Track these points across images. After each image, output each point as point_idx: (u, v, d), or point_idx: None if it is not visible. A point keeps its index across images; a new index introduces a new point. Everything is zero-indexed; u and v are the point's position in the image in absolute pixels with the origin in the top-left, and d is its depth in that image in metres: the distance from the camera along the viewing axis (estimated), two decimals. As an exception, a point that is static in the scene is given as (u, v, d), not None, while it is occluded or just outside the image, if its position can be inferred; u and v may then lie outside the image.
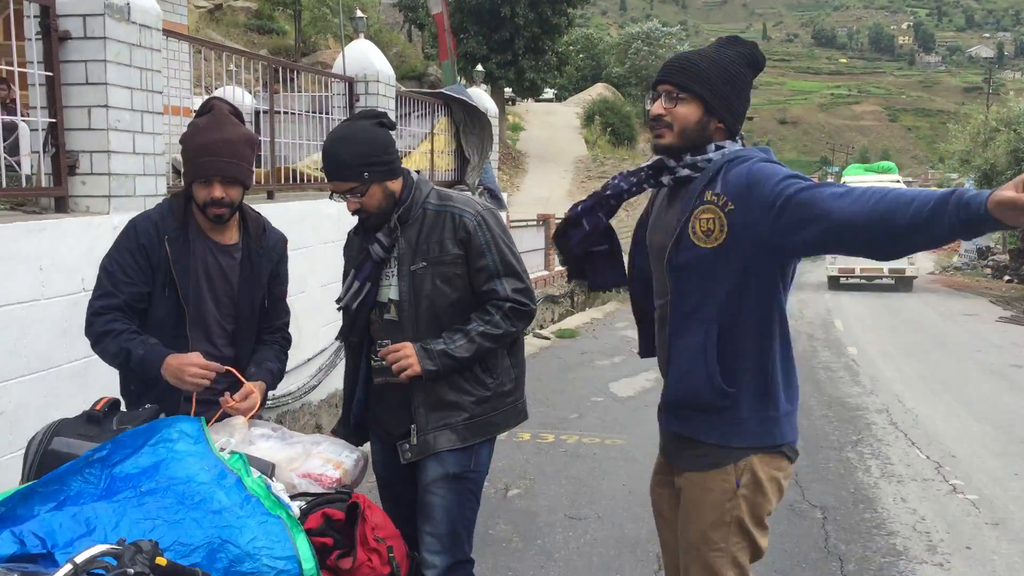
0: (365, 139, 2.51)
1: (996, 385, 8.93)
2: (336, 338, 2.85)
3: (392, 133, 2.62)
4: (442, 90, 9.45)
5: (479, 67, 21.15)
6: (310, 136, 6.95)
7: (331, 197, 2.62)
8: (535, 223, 14.55)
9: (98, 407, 2.25)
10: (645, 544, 4.34)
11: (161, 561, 1.51)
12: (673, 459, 2.39)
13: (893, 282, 21.21)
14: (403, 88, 9.31)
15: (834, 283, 21.50)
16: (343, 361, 2.91)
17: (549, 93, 37.69)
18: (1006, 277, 24.25)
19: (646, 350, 2.54)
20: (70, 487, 1.87)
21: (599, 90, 37.63)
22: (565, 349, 10.67)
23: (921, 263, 33.85)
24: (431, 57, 29.07)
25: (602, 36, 51.28)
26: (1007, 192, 1.68)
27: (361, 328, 2.65)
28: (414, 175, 2.66)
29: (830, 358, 10.49)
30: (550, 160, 27.79)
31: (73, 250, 4.10)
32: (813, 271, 25.89)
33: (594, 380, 8.64)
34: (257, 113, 7.16)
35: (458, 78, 11.06)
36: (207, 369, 2.42)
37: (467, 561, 2.59)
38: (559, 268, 15.28)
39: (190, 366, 2.39)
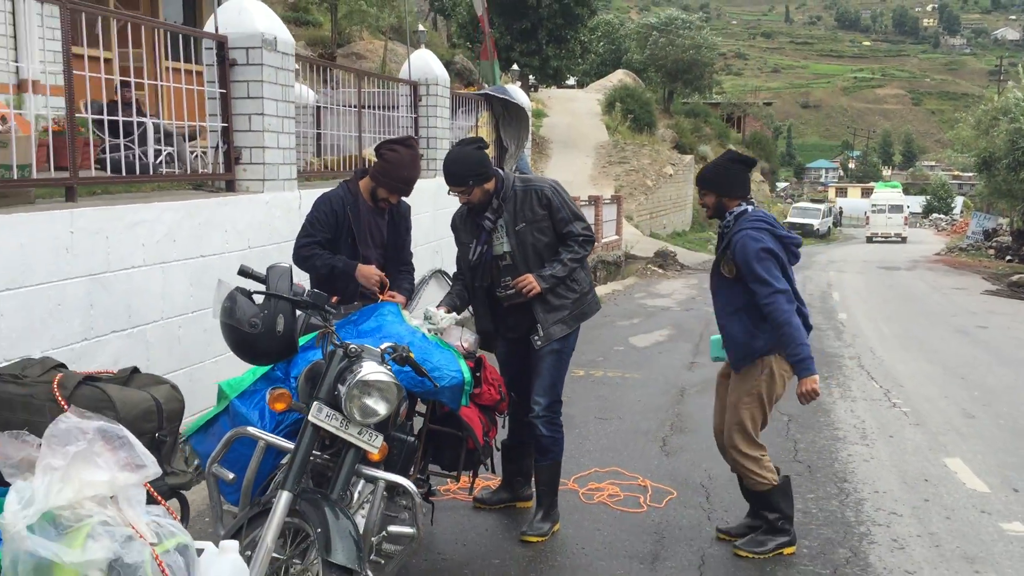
0: (468, 159, 4.09)
1: (958, 341, 10.45)
2: (434, 271, 4.44)
3: (486, 152, 4.21)
4: (486, 90, 11.05)
5: (515, 66, 22.61)
6: (370, 128, 8.43)
7: (448, 193, 4.21)
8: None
9: (333, 301, 3.89)
10: (655, 432, 5.96)
11: (410, 355, 3.13)
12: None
13: (899, 240, 39.40)
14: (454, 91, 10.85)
15: (869, 240, 39.36)
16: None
17: (571, 80, 38.90)
18: (1007, 257, 25.39)
19: None
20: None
21: (619, 76, 38.61)
22: (590, 313, 12.20)
23: (932, 245, 35.85)
24: (457, 46, 30.49)
25: (623, 21, 52.28)
26: (806, 384, 3.84)
27: (488, 275, 4.20)
28: (501, 172, 4.22)
29: (821, 321, 11.99)
30: (572, 146, 29.07)
31: (241, 219, 5.76)
32: (825, 252, 27.45)
33: (616, 335, 10.23)
34: (318, 108, 8.69)
35: (499, 78, 12.64)
36: (378, 275, 4.11)
37: (559, 401, 4.23)
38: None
39: (372, 272, 4.08)
